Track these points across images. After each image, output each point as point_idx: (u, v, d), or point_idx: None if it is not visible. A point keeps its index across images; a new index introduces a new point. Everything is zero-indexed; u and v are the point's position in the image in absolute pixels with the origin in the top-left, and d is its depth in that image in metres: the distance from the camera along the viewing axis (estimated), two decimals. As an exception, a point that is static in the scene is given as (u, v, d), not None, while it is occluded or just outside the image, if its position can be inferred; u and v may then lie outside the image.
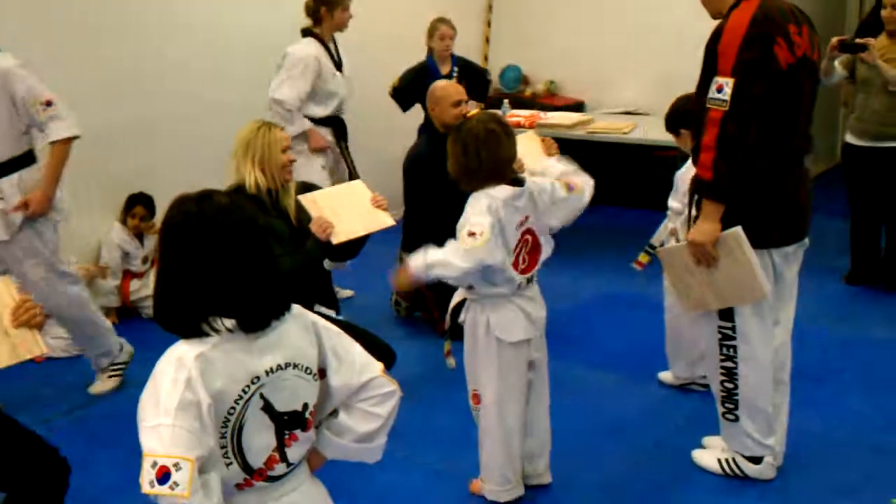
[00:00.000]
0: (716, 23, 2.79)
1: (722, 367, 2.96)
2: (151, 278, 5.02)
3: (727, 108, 2.64)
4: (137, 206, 4.96)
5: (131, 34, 4.98)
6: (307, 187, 3.60)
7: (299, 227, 3.41)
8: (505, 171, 2.68)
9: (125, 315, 4.97)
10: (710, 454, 3.22)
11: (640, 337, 4.44)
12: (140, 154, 5.06)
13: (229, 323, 1.68)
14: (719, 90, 2.67)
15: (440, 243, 4.34)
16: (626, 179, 6.89)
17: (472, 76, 5.75)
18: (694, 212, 2.85)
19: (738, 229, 2.72)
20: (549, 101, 7.40)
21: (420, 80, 5.23)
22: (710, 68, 2.74)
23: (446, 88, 4.41)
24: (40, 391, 4.03)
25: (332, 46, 4.98)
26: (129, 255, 4.96)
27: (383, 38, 6.52)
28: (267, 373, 1.70)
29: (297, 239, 3.40)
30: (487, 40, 7.80)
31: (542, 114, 6.17)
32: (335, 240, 3.30)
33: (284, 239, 3.37)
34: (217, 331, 1.66)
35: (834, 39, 4.60)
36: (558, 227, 2.87)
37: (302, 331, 1.78)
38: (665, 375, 3.89)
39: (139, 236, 4.99)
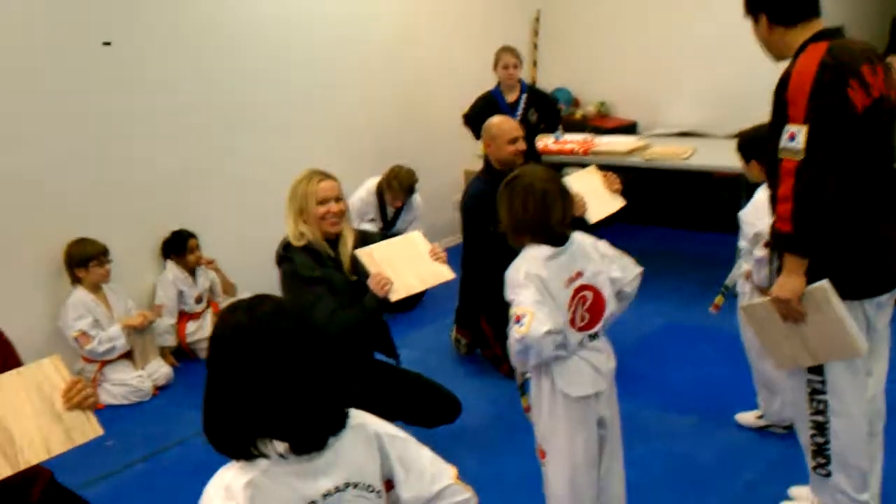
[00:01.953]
0: (781, 65, 2.65)
1: (812, 421, 2.79)
2: (208, 320, 4.99)
3: (802, 158, 2.49)
4: (191, 239, 4.93)
5: (187, 72, 4.97)
6: (364, 235, 3.51)
7: (357, 279, 3.32)
8: (551, 230, 2.56)
9: (181, 356, 4.93)
10: None
11: (711, 373, 4.29)
12: (182, 196, 5.05)
13: (281, 447, 1.56)
14: (791, 139, 2.51)
15: (497, 280, 4.29)
16: (684, 202, 6.74)
17: (542, 104, 5.69)
18: (776, 262, 2.70)
19: (826, 284, 2.56)
20: (600, 122, 7.26)
21: (487, 109, 5.25)
22: (780, 116, 2.59)
23: (501, 126, 4.30)
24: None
25: None
26: (184, 294, 4.92)
27: (428, 67, 6.52)
28: (324, 496, 1.58)
29: (354, 290, 3.31)
30: (535, 63, 7.68)
31: (595, 138, 6.03)
32: (394, 297, 3.19)
33: (341, 292, 3.29)
34: (267, 456, 1.55)
35: None
36: (624, 283, 2.70)
37: (363, 445, 1.67)
38: (744, 417, 3.73)
39: (192, 273, 4.95)
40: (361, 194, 5.55)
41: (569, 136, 6.06)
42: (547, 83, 7.55)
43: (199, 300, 4.98)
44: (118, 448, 3.90)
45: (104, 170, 4.63)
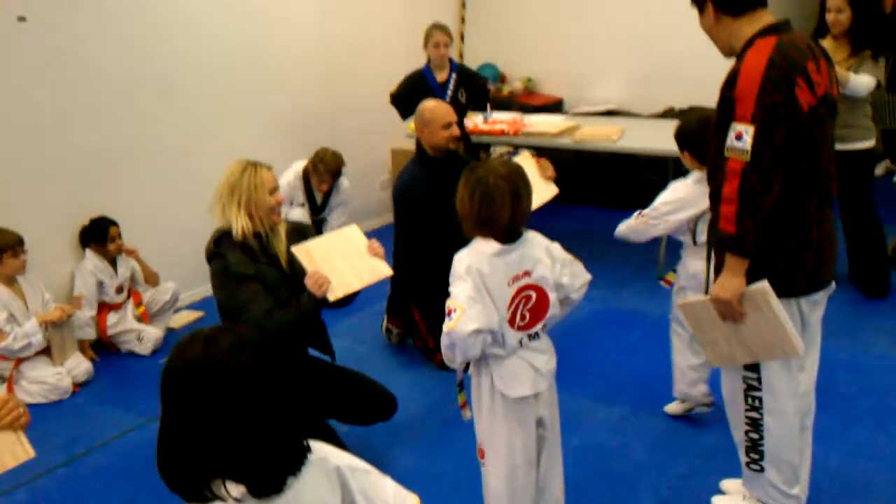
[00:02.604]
0: (728, 61, 2.63)
1: (747, 417, 2.83)
2: (129, 311, 4.82)
3: (748, 159, 2.48)
4: (112, 227, 4.73)
5: (107, 50, 4.74)
6: (297, 228, 3.41)
7: (291, 274, 3.23)
8: (498, 229, 2.51)
9: (102, 349, 4.76)
10: (730, 501, 3.11)
11: (643, 361, 4.33)
12: (101, 181, 4.85)
13: (238, 490, 1.49)
14: (738, 138, 2.50)
15: (430, 271, 4.23)
16: (611, 182, 6.77)
17: (471, 84, 5.61)
18: (713, 261, 2.71)
19: (765, 285, 2.57)
20: (527, 99, 7.24)
21: (417, 88, 5.20)
22: (726, 113, 2.57)
23: (435, 111, 4.22)
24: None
25: None
26: (104, 285, 4.73)
27: (353, 45, 6.39)
28: None
29: (290, 285, 3.22)
30: (462, 38, 7.60)
31: (524, 118, 6.00)
32: (332, 296, 3.12)
33: (276, 288, 3.20)
34: (223, 499, 1.47)
35: None
36: (571, 290, 2.66)
37: (324, 481, 1.61)
38: (670, 408, 3.78)
39: (112, 263, 4.76)
40: (289, 178, 5.41)
41: (497, 115, 6.01)
42: (474, 59, 7.49)
43: (119, 290, 4.80)
44: (37, 451, 3.72)
45: (17, 152, 4.41)
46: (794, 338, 2.60)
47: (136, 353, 4.73)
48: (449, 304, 2.44)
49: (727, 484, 3.22)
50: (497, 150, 6.65)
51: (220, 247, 3.18)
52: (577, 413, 3.78)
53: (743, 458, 2.94)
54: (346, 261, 3.24)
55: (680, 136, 3.43)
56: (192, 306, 5.36)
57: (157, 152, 5.11)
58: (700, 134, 3.20)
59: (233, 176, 3.18)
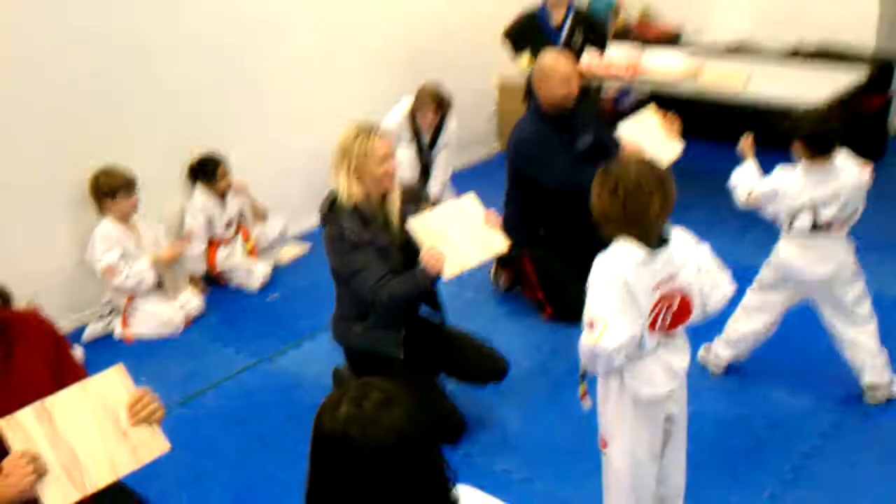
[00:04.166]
0: None
1: None
2: (238, 246, 4.86)
3: None
4: (220, 166, 4.73)
5: None
6: (410, 191, 3.36)
7: (404, 239, 3.17)
8: (653, 224, 2.34)
9: (211, 282, 4.82)
10: None
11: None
12: (210, 116, 4.82)
13: None
14: None
15: (541, 222, 4.11)
16: (730, 117, 6.37)
17: (589, 29, 5.37)
18: None
19: None
20: (641, 30, 6.88)
21: (529, 29, 5.08)
22: None
23: (556, 66, 4.02)
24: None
25: None
26: (213, 221, 4.76)
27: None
28: None
29: (403, 250, 3.18)
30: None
31: (642, 56, 5.69)
32: (447, 273, 3.07)
33: (389, 253, 3.16)
34: None
35: None
36: (709, 300, 2.48)
37: None
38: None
39: (221, 199, 4.78)
40: (396, 117, 5.29)
41: (613, 52, 5.71)
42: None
43: (228, 226, 4.82)
44: (154, 388, 3.82)
45: (127, 91, 4.41)
46: None
47: (245, 288, 4.77)
48: (590, 315, 2.30)
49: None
50: (610, 88, 6.39)
51: (335, 211, 3.15)
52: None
53: None
54: (462, 234, 3.18)
55: (794, 125, 3.28)
56: (299, 238, 5.35)
57: (264, 87, 5.06)
58: (816, 123, 3.21)
59: (346, 141, 3.14)
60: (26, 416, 2.04)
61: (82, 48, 4.18)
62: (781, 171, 3.33)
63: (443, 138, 5.38)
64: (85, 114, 4.24)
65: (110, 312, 4.38)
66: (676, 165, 3.92)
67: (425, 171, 5.39)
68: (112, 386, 2.15)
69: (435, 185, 5.37)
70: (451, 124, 5.38)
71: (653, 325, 2.37)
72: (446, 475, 1.51)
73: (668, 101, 5.71)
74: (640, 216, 2.30)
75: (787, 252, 3.36)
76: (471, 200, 3.34)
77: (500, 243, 3.26)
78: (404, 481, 1.42)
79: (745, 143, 3.50)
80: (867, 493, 3.02)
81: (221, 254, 4.80)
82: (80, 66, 4.18)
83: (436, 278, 3.09)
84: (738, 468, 3.19)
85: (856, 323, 3.38)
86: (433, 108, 5.22)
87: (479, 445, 3.37)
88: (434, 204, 5.32)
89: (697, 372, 3.65)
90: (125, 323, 4.32)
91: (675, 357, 2.48)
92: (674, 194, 2.33)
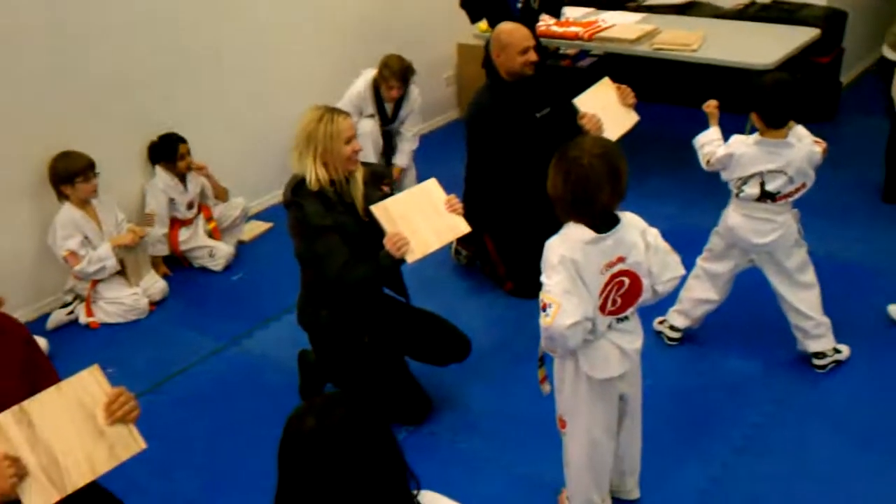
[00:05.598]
0: None
1: None
2: (200, 226, 4.86)
3: None
4: (181, 144, 4.71)
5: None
6: (374, 173, 3.36)
7: (368, 221, 3.20)
8: (601, 211, 2.41)
9: (174, 264, 4.83)
10: None
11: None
12: (167, 97, 4.79)
13: None
14: None
15: (501, 196, 4.14)
16: (688, 80, 6.43)
17: None
18: None
19: None
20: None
21: None
22: None
23: (513, 34, 4.02)
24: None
25: None
26: (175, 201, 4.75)
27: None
28: None
29: (367, 233, 3.21)
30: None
31: (599, 18, 5.71)
32: (410, 258, 3.11)
33: (353, 236, 3.19)
34: None
35: None
36: (658, 280, 2.54)
37: None
38: None
39: (182, 179, 4.76)
40: (359, 88, 5.24)
41: (569, 11, 5.72)
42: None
43: (190, 206, 4.82)
44: (119, 378, 3.82)
45: (82, 73, 4.36)
46: None
47: (209, 269, 4.79)
48: (544, 297, 2.37)
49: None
50: (569, 52, 6.39)
51: (298, 195, 3.17)
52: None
53: None
54: (424, 218, 3.22)
55: (751, 96, 3.33)
56: (261, 216, 5.37)
57: (221, 67, 5.02)
58: (773, 97, 3.24)
59: (309, 125, 3.13)
60: (5, 421, 2.09)
61: (35, 31, 4.12)
62: (737, 139, 3.40)
63: (406, 107, 5.37)
64: (40, 98, 4.19)
65: (74, 299, 4.39)
66: (634, 129, 4.00)
67: (389, 142, 5.39)
68: (88, 386, 2.19)
69: (401, 157, 5.38)
70: (414, 93, 5.37)
71: (603, 306, 2.44)
72: (409, 481, 1.58)
73: (625, 61, 5.78)
74: (589, 204, 2.36)
75: (733, 219, 3.45)
76: (433, 183, 3.38)
77: (462, 226, 3.31)
78: (367, 489, 1.49)
79: (709, 107, 3.57)
80: (817, 459, 3.14)
81: (184, 235, 4.80)
82: (33, 50, 4.12)
83: (399, 263, 3.13)
84: (693, 439, 3.28)
85: (799, 289, 3.49)
86: (399, 82, 5.20)
87: (444, 424, 3.45)
88: (401, 173, 5.38)
89: (653, 344, 3.75)
90: (89, 310, 4.33)
91: (627, 339, 2.56)
92: (625, 181, 2.39)
